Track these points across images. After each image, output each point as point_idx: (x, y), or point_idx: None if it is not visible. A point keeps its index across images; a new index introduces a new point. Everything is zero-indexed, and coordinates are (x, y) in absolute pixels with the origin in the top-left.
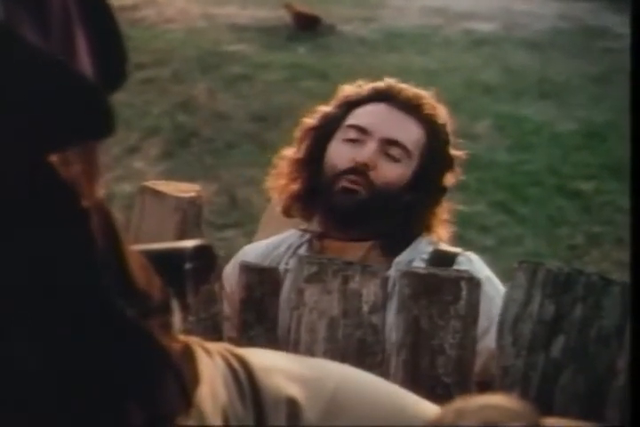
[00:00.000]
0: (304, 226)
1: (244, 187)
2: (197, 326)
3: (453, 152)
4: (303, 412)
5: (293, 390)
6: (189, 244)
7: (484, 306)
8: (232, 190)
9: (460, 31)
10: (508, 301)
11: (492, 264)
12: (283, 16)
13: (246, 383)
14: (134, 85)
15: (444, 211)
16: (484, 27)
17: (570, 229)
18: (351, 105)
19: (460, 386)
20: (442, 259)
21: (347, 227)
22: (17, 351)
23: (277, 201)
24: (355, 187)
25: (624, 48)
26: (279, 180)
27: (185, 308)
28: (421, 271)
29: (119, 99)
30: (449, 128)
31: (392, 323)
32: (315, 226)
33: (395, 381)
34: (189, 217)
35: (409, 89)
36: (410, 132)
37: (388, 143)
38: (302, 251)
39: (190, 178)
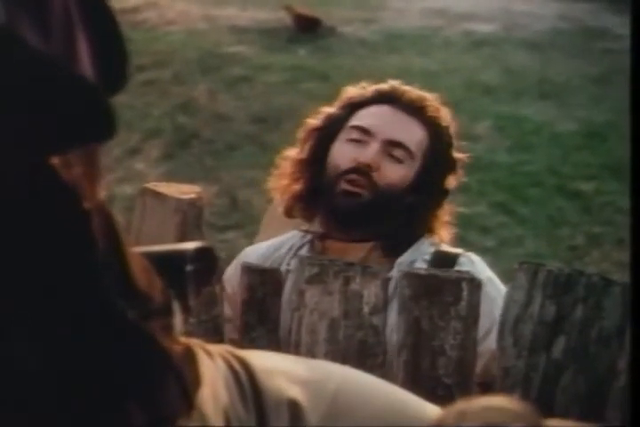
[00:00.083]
0: (305, 227)
1: (244, 188)
2: (198, 327)
3: (456, 155)
4: (305, 413)
5: (295, 392)
6: (191, 246)
7: (485, 307)
8: (233, 192)
9: (460, 32)
10: (508, 302)
11: (493, 265)
12: (283, 18)
13: (248, 385)
14: (135, 87)
15: (446, 213)
16: (484, 28)
17: (570, 230)
18: (355, 106)
19: (461, 387)
20: (443, 260)
21: (348, 228)
22: (17, 351)
23: (279, 201)
24: (357, 189)
25: (624, 49)
26: (281, 180)
27: (186, 310)
28: (422, 272)
29: (120, 100)
30: (452, 130)
31: (393, 324)
32: (316, 227)
33: (395, 382)
34: (190, 219)
35: (412, 91)
36: (413, 134)
37: (392, 145)
38: (304, 252)
39: (191, 179)
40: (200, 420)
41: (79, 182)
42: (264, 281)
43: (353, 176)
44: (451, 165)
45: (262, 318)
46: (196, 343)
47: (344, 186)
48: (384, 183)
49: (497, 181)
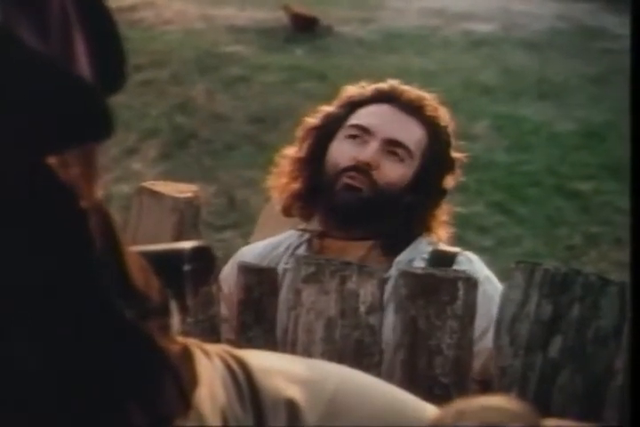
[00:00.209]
0: (302, 226)
1: (242, 188)
2: (195, 327)
3: (454, 154)
4: (302, 413)
5: (293, 392)
6: (188, 245)
7: (483, 306)
8: (231, 192)
9: (458, 32)
10: (505, 301)
11: (491, 264)
12: (281, 17)
13: (245, 385)
14: (133, 87)
15: (444, 212)
16: (483, 27)
17: (568, 230)
18: (354, 105)
19: (458, 386)
20: (442, 259)
21: (348, 225)
22: (17, 351)
23: (277, 200)
24: (357, 184)
25: (622, 49)
26: (280, 178)
27: (184, 309)
28: (418, 271)
29: (117, 100)
30: (450, 130)
31: (390, 323)
32: (314, 225)
33: (392, 381)
34: (187, 218)
35: (412, 90)
36: (412, 133)
37: (391, 143)
38: (302, 251)
39: (189, 179)
40: (197, 420)
41: (76, 182)
42: (261, 281)
43: (353, 173)
44: (449, 165)
45: (259, 317)
46: (193, 343)
47: (345, 180)
48: (383, 182)
49: (495, 181)
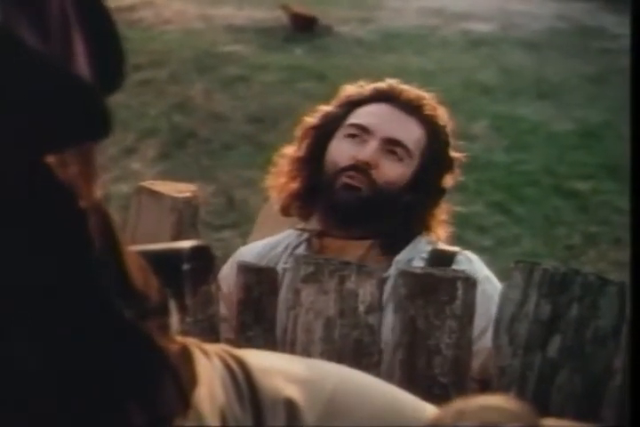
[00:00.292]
0: (301, 225)
1: (241, 188)
2: (194, 327)
3: (453, 154)
4: (301, 413)
5: (292, 391)
6: (187, 244)
7: (483, 305)
8: (229, 191)
9: (457, 32)
10: (504, 300)
11: (490, 264)
12: (280, 17)
13: (244, 384)
14: (131, 87)
15: (443, 212)
16: (482, 27)
17: (567, 229)
18: (353, 105)
19: (457, 386)
20: (441, 258)
21: (347, 224)
22: (17, 351)
23: (276, 200)
24: (356, 183)
25: (621, 48)
26: (279, 178)
27: (183, 309)
28: (417, 271)
29: (116, 100)
30: (449, 129)
31: (389, 323)
32: (314, 225)
33: (391, 381)
34: (185, 217)
35: (410, 90)
36: (411, 133)
37: (390, 143)
38: (301, 250)
39: (187, 179)
40: (196, 419)
41: (75, 181)
42: (260, 280)
43: (352, 173)
44: (448, 164)
45: (258, 317)
46: (192, 343)
47: (344, 180)
48: (383, 181)
49: (494, 181)
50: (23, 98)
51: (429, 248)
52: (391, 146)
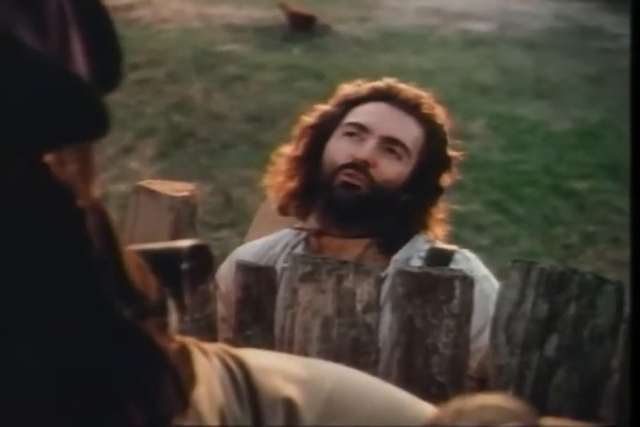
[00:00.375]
0: (298, 224)
1: (239, 187)
2: (192, 326)
3: (451, 153)
4: (300, 412)
5: (290, 391)
6: (186, 244)
7: (480, 304)
8: (227, 191)
9: (455, 31)
10: (501, 300)
11: (488, 263)
12: (278, 16)
13: (243, 384)
14: (129, 86)
15: (440, 211)
16: (480, 27)
17: (565, 229)
18: (350, 104)
19: (455, 385)
20: (439, 257)
21: (346, 223)
22: (17, 351)
23: (273, 199)
24: (355, 181)
25: (620, 48)
26: (276, 177)
27: (181, 308)
28: (415, 270)
29: (114, 99)
30: (447, 129)
31: (387, 322)
32: (312, 224)
33: (389, 380)
34: (184, 216)
35: (408, 89)
36: (409, 131)
37: (388, 141)
38: (299, 249)
39: (185, 178)
40: (196, 419)
41: (73, 180)
42: (259, 279)
43: (350, 171)
44: (446, 163)
45: (257, 316)
46: (191, 342)
47: (343, 178)
48: (381, 179)
49: (492, 180)
50: (21, 97)
51: (427, 247)
52: (389, 144)
